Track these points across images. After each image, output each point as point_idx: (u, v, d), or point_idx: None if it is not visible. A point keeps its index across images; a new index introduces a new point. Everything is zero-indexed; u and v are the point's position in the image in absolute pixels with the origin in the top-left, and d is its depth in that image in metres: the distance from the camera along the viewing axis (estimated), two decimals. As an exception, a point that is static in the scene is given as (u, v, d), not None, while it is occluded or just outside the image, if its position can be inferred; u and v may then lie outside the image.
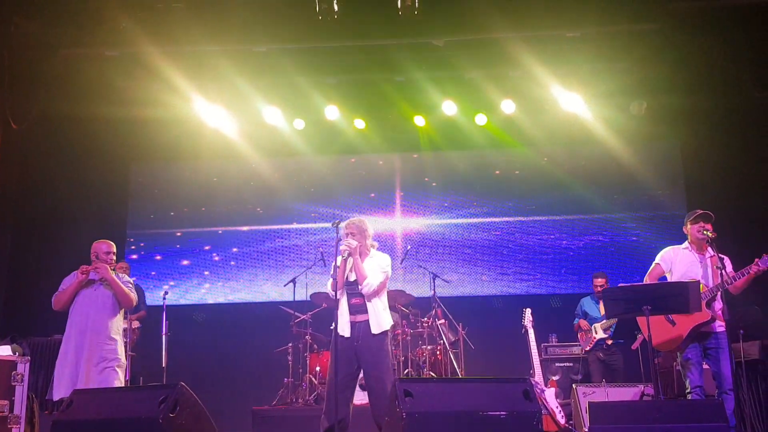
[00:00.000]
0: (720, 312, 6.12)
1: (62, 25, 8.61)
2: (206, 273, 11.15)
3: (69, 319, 6.61)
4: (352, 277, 6.15)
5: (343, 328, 6.06)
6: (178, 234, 11.28)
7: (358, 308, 6.09)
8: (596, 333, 9.03)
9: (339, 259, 6.08)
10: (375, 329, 6.00)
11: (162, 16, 8.49)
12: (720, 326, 6.16)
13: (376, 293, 6.09)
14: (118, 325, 6.70)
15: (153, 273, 11.07)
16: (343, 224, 6.22)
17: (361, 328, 6.04)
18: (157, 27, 8.56)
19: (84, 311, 6.57)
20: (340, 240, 6.12)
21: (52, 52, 8.92)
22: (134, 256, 11.14)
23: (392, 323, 6.20)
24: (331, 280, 6.12)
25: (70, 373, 6.39)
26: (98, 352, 6.51)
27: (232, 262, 11.18)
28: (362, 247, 6.18)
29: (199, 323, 10.68)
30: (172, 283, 10.89)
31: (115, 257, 6.84)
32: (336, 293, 6.06)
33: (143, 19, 8.50)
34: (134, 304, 6.90)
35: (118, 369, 6.55)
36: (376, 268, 6.13)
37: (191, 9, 8.47)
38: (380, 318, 6.05)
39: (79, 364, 6.41)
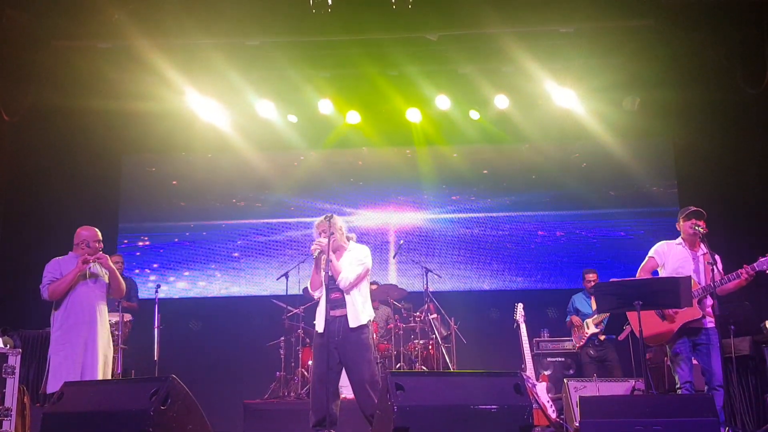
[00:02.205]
0: (710, 308, 6.15)
1: (54, 16, 8.55)
2: (198, 266, 11.12)
3: (65, 309, 6.40)
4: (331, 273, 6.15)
5: (320, 324, 6.07)
6: (169, 227, 11.25)
7: (336, 303, 6.07)
8: (588, 328, 9.07)
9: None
10: (353, 323, 6.01)
11: (154, 9, 8.46)
12: (710, 322, 6.18)
13: (354, 286, 6.09)
14: (107, 316, 6.68)
15: (149, 265, 11.05)
16: (316, 221, 6.23)
17: (339, 322, 6.03)
18: (150, 19, 8.53)
19: (87, 301, 6.45)
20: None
21: (44, 44, 8.86)
22: (125, 246, 11.10)
23: (371, 316, 6.17)
24: (308, 280, 6.18)
25: (75, 364, 6.26)
26: (106, 343, 6.51)
27: (226, 255, 11.17)
28: (337, 243, 6.16)
29: (195, 329, 10.63)
30: (154, 277, 10.85)
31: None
32: (314, 293, 6.17)
33: (135, 11, 8.46)
34: (123, 294, 6.89)
35: (106, 362, 6.54)
36: (352, 262, 6.13)
37: (184, 1, 8.45)
38: (358, 312, 6.05)
39: (87, 355, 6.33)
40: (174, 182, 11.38)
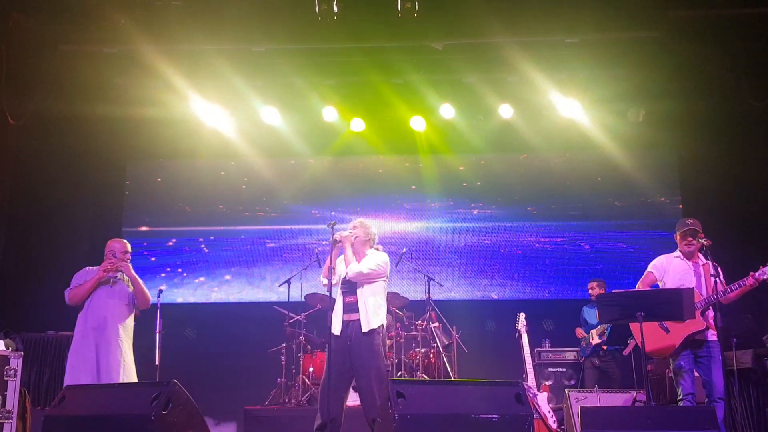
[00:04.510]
0: (712, 321, 6.14)
1: (60, 21, 8.59)
2: (201, 272, 11.13)
3: (83, 313, 6.59)
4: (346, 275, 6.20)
5: (336, 327, 6.11)
6: (174, 233, 11.26)
7: (351, 307, 6.13)
8: (592, 339, 9.05)
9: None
10: (365, 327, 6.03)
11: (160, 14, 8.48)
12: (712, 335, 6.17)
13: (364, 278, 6.12)
14: (131, 323, 6.78)
15: (150, 271, 11.04)
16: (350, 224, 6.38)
17: (353, 327, 6.07)
18: (156, 25, 8.55)
19: (102, 308, 6.58)
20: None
21: (50, 48, 8.89)
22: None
23: (382, 322, 6.16)
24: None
25: (90, 367, 6.41)
26: (115, 350, 6.56)
27: (230, 261, 11.17)
28: (359, 243, 6.27)
29: (192, 336, 10.64)
30: (164, 285, 10.81)
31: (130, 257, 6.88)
32: (323, 280, 6.18)
33: (141, 16, 8.48)
34: (150, 304, 6.95)
35: (124, 367, 6.60)
36: (368, 259, 6.20)
37: (189, 7, 8.46)
38: (370, 316, 6.06)
39: (101, 359, 6.45)
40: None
